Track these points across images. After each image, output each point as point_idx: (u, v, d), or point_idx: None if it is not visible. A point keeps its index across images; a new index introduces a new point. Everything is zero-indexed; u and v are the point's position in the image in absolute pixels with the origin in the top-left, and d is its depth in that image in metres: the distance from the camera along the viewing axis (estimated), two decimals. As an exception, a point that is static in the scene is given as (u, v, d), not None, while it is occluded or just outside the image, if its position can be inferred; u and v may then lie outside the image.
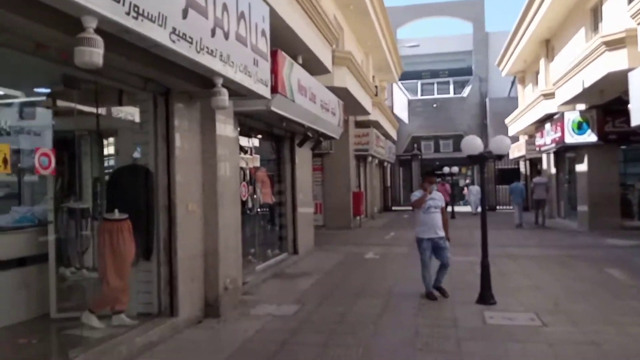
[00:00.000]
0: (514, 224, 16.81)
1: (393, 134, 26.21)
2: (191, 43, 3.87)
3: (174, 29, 3.60)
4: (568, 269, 8.76)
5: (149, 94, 5.32)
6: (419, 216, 6.73)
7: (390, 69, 23.23)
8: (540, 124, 18.28)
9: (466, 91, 33.50)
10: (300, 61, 8.36)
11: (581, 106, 14.71)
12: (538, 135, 18.68)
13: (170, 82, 5.14)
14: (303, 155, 10.44)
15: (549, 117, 16.67)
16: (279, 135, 9.43)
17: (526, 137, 23.58)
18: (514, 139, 26.05)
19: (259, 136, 8.98)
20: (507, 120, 24.43)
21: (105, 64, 4.32)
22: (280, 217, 9.87)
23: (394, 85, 31.18)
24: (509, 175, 25.99)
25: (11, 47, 3.68)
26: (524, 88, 24.58)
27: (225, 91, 4.60)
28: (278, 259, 9.30)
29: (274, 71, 6.54)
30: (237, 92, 5.27)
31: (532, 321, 5.69)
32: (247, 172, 8.50)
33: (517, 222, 16.74)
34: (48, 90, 5.36)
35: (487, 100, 31.95)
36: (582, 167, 15.10)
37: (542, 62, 19.34)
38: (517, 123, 22.36)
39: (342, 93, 11.36)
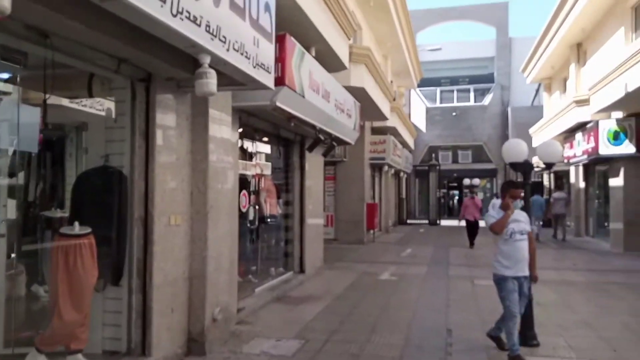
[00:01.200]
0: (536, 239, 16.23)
1: (410, 142, 25.10)
2: (164, 2, 2.86)
3: (135, -21, 2.61)
4: (617, 299, 7.56)
5: (126, 80, 4.33)
6: (499, 245, 4.94)
7: (409, 74, 22.14)
8: (569, 134, 17.04)
9: (487, 99, 32.28)
10: (313, 53, 7.36)
11: (618, 114, 13.50)
12: (567, 146, 17.41)
13: (151, 64, 4.14)
14: (314, 162, 9.40)
15: (580, 127, 15.44)
16: (287, 138, 8.41)
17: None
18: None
19: (265, 139, 7.98)
20: (531, 130, 23.15)
21: (54, 32, 3.39)
22: (286, 231, 8.82)
23: (412, 92, 30.07)
24: (531, 188, 24.66)
25: None
26: (550, 96, 23.32)
27: (212, 73, 3.58)
28: (282, 278, 8.24)
29: (281, 59, 5.54)
30: (233, 79, 4.28)
31: (590, 372, 4.57)
32: (251, 179, 7.51)
33: (537, 238, 15.95)
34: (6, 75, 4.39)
35: (510, 109, 30.68)
36: (617, 182, 13.83)
37: (572, 67, 18.13)
38: (542, 133, 21.06)
39: (358, 94, 10.31)
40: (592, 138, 14.03)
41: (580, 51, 17.63)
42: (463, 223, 15.02)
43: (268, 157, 8.45)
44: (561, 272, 10.15)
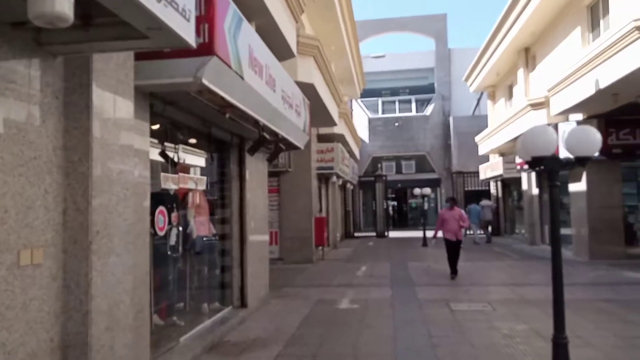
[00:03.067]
0: (473, 242, 18.59)
1: (357, 152, 23.94)
2: None
3: None
4: (627, 324, 6.33)
5: None
6: None
7: (353, 81, 20.98)
8: (521, 140, 16.40)
9: (429, 110, 31.93)
10: (254, 29, 5.74)
11: (576, 117, 12.83)
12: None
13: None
14: (256, 171, 7.73)
15: (535, 132, 14.77)
16: (222, 140, 6.70)
17: (496, 156, 21.88)
18: (483, 159, 24.42)
19: (192, 140, 6.25)
20: (477, 138, 22.67)
21: None
22: (222, 255, 7.06)
23: (354, 102, 29.09)
24: (478, 197, 24.16)
25: None
26: (494, 104, 22.97)
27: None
28: (218, 317, 6.46)
29: (209, 18, 3.89)
30: (126, 28, 2.60)
31: None
32: (173, 193, 5.75)
33: (476, 241, 18.73)
34: None
35: (451, 119, 30.38)
36: (579, 187, 13.14)
37: (520, 72, 17.64)
38: (490, 141, 20.53)
39: (305, 93, 8.78)
40: (550, 142, 13.29)
41: (528, 56, 17.17)
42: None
43: (198, 165, 6.71)
44: (539, 287, 8.99)
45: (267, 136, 5.82)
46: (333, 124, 13.07)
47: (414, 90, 34.10)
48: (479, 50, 20.08)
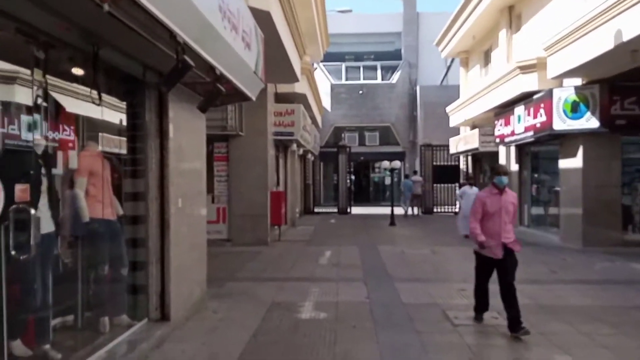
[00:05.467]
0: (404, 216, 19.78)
1: (319, 119, 21.76)
2: None
3: None
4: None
5: None
6: None
7: (316, 39, 18.52)
8: (502, 109, 14.72)
9: (395, 77, 29.96)
10: None
11: (573, 81, 11.15)
12: (499, 123, 15.10)
13: None
14: (187, 125, 5.51)
15: (521, 99, 13.06)
16: (126, 74, 4.43)
17: (467, 129, 20.30)
18: (451, 132, 22.82)
19: (76, 70, 3.96)
20: (448, 109, 20.95)
21: None
22: (134, 247, 4.86)
23: (316, 65, 26.75)
24: (448, 173, 22.63)
25: None
26: (468, 71, 21.24)
27: None
28: (121, 340, 4.31)
29: None
30: None
31: None
32: (36, 152, 3.53)
33: (404, 213, 20.15)
34: None
35: (418, 88, 28.59)
36: (573, 162, 11.54)
37: (502, 34, 15.83)
38: (463, 111, 18.83)
39: (261, 28, 6.53)
40: (542, 111, 11.59)
41: (512, 15, 15.36)
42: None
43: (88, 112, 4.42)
44: (548, 286, 7.27)
45: (190, 62, 3.59)
46: (295, 79, 10.86)
47: (379, 56, 32.00)
48: (455, 10, 18.18)
